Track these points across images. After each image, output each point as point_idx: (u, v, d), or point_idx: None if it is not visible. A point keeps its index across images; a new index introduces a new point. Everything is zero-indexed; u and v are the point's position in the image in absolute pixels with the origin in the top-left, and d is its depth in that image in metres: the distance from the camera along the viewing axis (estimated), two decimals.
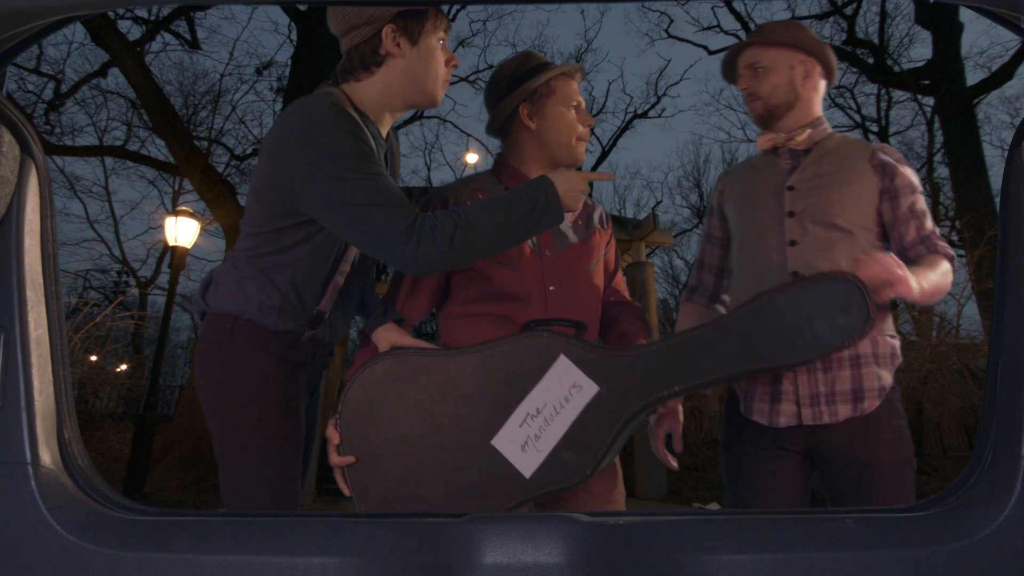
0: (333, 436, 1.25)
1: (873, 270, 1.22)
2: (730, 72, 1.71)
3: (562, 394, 1.17)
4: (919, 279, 1.30)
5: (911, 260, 1.46)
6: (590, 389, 1.17)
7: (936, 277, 1.39)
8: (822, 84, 1.63)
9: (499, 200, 1.26)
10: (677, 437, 1.46)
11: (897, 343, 1.50)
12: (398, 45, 1.36)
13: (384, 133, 1.45)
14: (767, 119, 1.61)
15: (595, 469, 1.14)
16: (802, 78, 1.59)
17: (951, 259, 1.46)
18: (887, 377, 1.45)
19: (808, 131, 1.59)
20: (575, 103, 1.59)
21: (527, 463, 1.16)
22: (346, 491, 1.25)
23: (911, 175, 1.53)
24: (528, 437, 1.16)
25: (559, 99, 1.57)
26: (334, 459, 1.26)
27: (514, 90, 1.58)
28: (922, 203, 1.51)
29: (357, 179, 1.22)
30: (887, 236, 1.53)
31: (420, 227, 1.19)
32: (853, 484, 1.39)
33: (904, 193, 1.51)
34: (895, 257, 1.26)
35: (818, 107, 1.63)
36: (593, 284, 1.58)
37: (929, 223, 1.50)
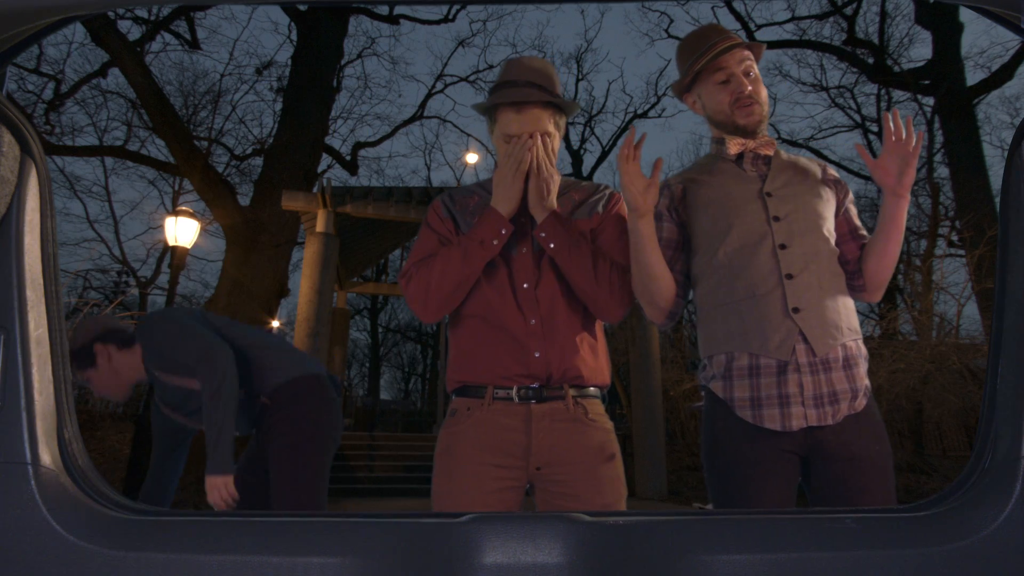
0: None
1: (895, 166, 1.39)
2: (712, 74, 1.61)
3: None
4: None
5: (851, 274, 1.58)
6: None
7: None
8: None
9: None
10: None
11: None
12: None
13: None
14: (756, 127, 1.60)
15: None
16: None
17: None
18: (866, 375, 1.50)
19: (771, 137, 1.63)
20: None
21: None
22: None
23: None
24: None
25: (497, 131, 1.53)
26: None
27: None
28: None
29: None
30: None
31: None
32: (844, 480, 1.40)
33: (852, 211, 1.63)
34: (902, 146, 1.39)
35: None
36: None
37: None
